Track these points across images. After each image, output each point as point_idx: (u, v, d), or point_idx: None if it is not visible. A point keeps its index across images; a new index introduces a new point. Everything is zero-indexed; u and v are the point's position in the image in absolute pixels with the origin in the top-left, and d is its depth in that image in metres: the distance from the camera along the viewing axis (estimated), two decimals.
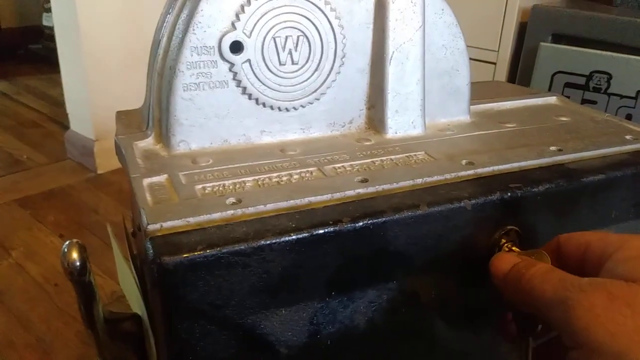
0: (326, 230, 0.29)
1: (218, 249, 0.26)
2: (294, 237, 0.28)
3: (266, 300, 0.28)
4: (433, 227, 0.32)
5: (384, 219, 0.30)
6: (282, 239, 0.28)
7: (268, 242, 0.27)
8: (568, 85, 1.01)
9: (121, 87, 1.38)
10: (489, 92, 0.56)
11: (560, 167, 0.38)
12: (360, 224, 0.29)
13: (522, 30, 1.11)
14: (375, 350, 0.34)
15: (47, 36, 2.34)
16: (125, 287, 0.51)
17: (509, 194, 0.34)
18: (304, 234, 0.28)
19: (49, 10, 2.12)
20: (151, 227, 0.27)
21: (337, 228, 0.29)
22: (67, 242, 0.33)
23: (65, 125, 1.57)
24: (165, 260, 0.26)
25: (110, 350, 0.41)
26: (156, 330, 0.35)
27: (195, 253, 0.26)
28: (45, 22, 2.36)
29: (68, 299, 0.96)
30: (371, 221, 0.30)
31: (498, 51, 1.14)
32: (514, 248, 0.33)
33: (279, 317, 0.29)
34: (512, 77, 1.13)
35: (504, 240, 0.33)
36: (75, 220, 1.23)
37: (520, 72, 1.10)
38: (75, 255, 0.32)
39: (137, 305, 0.45)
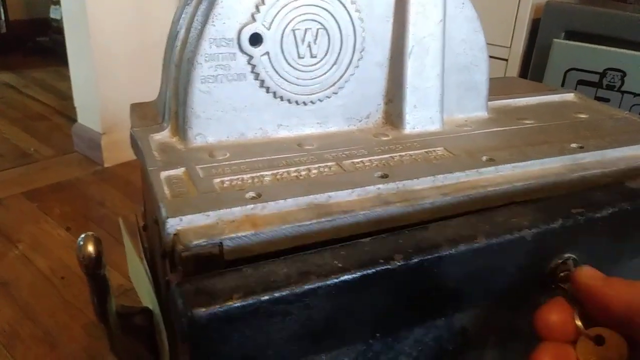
0: (376, 269, 0.25)
1: (257, 296, 0.23)
2: (341, 278, 0.25)
3: (305, 347, 0.26)
4: (489, 259, 0.29)
5: (439, 254, 0.27)
6: (329, 282, 0.25)
7: (313, 286, 0.24)
8: (581, 82, 1.00)
9: (129, 80, 1.38)
10: (505, 88, 0.55)
11: (621, 187, 0.35)
12: (415, 260, 0.26)
13: (534, 26, 1.10)
14: None
15: (55, 29, 2.34)
16: (136, 280, 0.51)
17: (571, 220, 0.30)
18: (352, 275, 0.25)
19: (57, 2, 2.11)
20: (171, 221, 0.27)
21: (388, 267, 0.26)
22: (82, 235, 0.33)
23: (72, 118, 1.57)
24: (197, 313, 0.22)
25: (122, 344, 0.41)
26: (170, 326, 0.35)
27: (232, 302, 0.23)
28: (53, 15, 2.36)
29: (74, 291, 0.95)
30: (425, 257, 0.27)
31: (510, 47, 1.13)
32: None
33: None
34: (524, 74, 1.12)
35: (560, 271, 0.31)
36: (82, 213, 1.22)
37: (533, 69, 1.09)
38: (91, 248, 0.32)
39: (147, 299, 0.44)
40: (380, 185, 0.32)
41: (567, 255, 0.31)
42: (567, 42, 1.00)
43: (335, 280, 0.25)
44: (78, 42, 1.39)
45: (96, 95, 1.39)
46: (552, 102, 0.52)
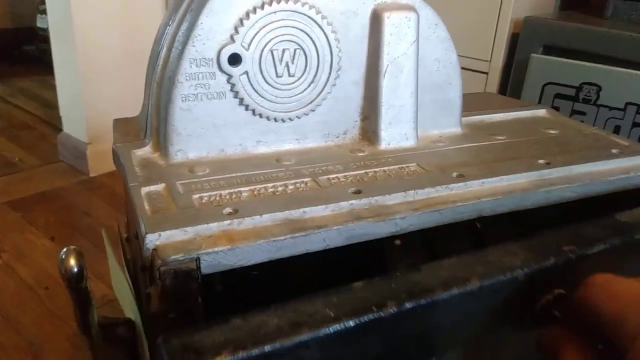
0: (370, 317, 0.25)
1: (247, 351, 0.23)
2: (334, 328, 0.24)
3: None
4: (481, 300, 0.29)
5: (432, 298, 0.27)
6: (321, 333, 0.24)
7: (305, 337, 0.24)
8: (558, 96, 1.02)
9: (115, 90, 1.39)
10: (480, 104, 0.57)
11: (612, 220, 0.35)
12: (408, 306, 0.26)
13: (514, 41, 1.12)
14: None
15: (41, 38, 2.34)
16: (118, 291, 0.51)
17: (563, 258, 0.31)
18: (346, 324, 0.25)
19: (43, 11, 2.11)
20: (150, 237, 0.28)
21: (381, 314, 0.26)
22: (64, 249, 0.34)
23: (58, 128, 1.57)
24: None
25: (104, 355, 0.41)
26: (151, 337, 0.35)
27: (221, 359, 0.22)
28: (39, 24, 2.35)
29: (59, 302, 0.95)
30: (419, 303, 0.27)
31: (490, 61, 1.16)
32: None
33: None
34: (503, 87, 1.15)
35: (550, 306, 0.31)
36: (67, 223, 1.22)
37: (512, 83, 1.11)
38: (72, 261, 0.32)
39: (130, 310, 0.45)
40: (354, 201, 0.33)
41: (557, 291, 0.31)
42: (544, 56, 1.03)
43: (328, 331, 0.24)
44: (64, 51, 1.39)
45: (82, 105, 1.39)
46: (525, 118, 0.53)
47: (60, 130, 1.52)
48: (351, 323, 0.25)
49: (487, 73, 1.16)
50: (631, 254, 0.35)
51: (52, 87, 1.51)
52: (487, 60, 1.15)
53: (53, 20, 1.40)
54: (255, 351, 0.23)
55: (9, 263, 1.07)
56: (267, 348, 0.23)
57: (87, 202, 1.31)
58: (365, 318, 0.25)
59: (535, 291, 0.31)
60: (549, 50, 1.06)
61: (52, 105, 1.79)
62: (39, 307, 0.95)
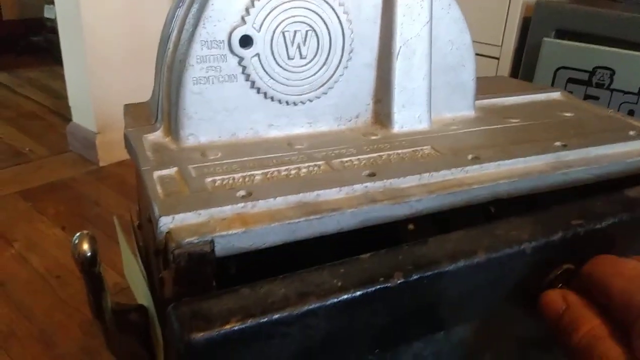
0: (376, 287, 0.25)
1: (255, 319, 0.23)
2: (341, 298, 0.25)
3: None
4: (489, 274, 0.29)
5: (438, 270, 0.27)
6: (328, 302, 0.24)
7: (313, 306, 0.24)
8: (571, 80, 1.01)
9: (124, 79, 1.38)
10: (494, 87, 0.56)
11: (620, 196, 0.35)
12: (414, 277, 0.26)
13: (525, 25, 1.11)
14: None
15: (48, 28, 2.34)
16: (130, 278, 0.51)
17: (571, 232, 0.31)
18: (352, 294, 0.25)
19: (50, 2, 2.11)
20: (163, 219, 0.28)
21: (388, 285, 0.26)
22: (77, 234, 0.33)
23: (66, 118, 1.57)
24: (194, 337, 0.22)
25: (117, 341, 0.41)
26: (164, 323, 0.35)
27: (230, 326, 0.22)
28: (46, 14, 2.35)
29: (70, 291, 0.96)
30: (425, 274, 0.27)
31: (501, 46, 1.14)
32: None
33: None
34: (515, 73, 1.13)
35: (558, 281, 0.31)
36: (77, 213, 1.23)
37: (523, 68, 1.10)
38: (86, 246, 0.32)
39: (142, 296, 0.45)
40: (368, 184, 0.33)
41: (565, 266, 0.31)
42: (557, 40, 1.01)
43: (335, 300, 0.25)
44: (72, 41, 1.39)
45: (90, 95, 1.39)
46: (539, 101, 0.53)
47: (69, 120, 1.53)
48: (358, 293, 0.25)
49: (498, 58, 1.14)
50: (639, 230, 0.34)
51: (60, 78, 1.51)
52: (498, 45, 1.14)
53: (61, 10, 1.40)
54: (263, 319, 0.23)
55: (21, 252, 1.07)
56: (275, 316, 0.23)
57: (96, 192, 1.31)
58: (372, 288, 0.25)
59: (543, 265, 0.31)
60: (561, 34, 1.04)
61: (60, 96, 1.80)
62: (51, 296, 0.95)
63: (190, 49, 0.36)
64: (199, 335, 0.22)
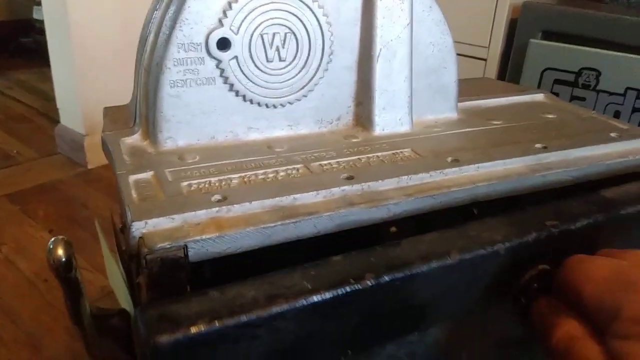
0: (347, 289, 0.25)
1: (223, 321, 0.23)
2: (311, 300, 0.24)
3: None
4: (462, 275, 0.29)
5: (411, 272, 0.27)
6: (298, 304, 0.24)
7: (281, 309, 0.24)
8: (557, 82, 1.01)
9: (112, 81, 1.38)
10: (477, 89, 0.56)
11: (596, 196, 0.35)
12: (386, 279, 0.26)
13: (512, 26, 1.11)
14: None
15: (38, 30, 2.32)
16: (113, 282, 0.51)
17: (545, 233, 0.31)
18: (322, 296, 0.25)
19: (39, 3, 2.10)
20: (136, 225, 0.27)
21: (359, 286, 0.25)
22: (52, 239, 0.33)
23: (55, 120, 1.56)
24: (159, 340, 0.22)
25: (97, 346, 0.41)
26: None
27: (196, 328, 0.22)
28: (36, 16, 2.33)
29: (58, 294, 0.95)
30: (397, 276, 0.26)
31: (489, 47, 1.15)
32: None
33: None
34: (502, 74, 1.14)
35: (534, 281, 0.31)
36: (65, 215, 1.22)
37: (511, 69, 1.10)
38: (60, 251, 0.32)
39: (124, 300, 0.45)
40: (346, 187, 0.33)
41: (540, 267, 0.31)
42: (543, 42, 1.02)
43: (305, 303, 0.24)
44: (60, 42, 1.38)
45: (78, 97, 1.38)
46: (522, 103, 0.53)
47: (57, 122, 1.52)
48: (328, 295, 0.25)
49: (485, 59, 1.15)
50: (615, 230, 0.34)
51: (50, 79, 1.50)
52: (485, 47, 1.14)
53: (48, 12, 1.39)
54: (231, 321, 0.23)
55: (8, 256, 1.06)
56: (243, 318, 0.23)
57: (85, 194, 1.30)
58: (343, 290, 0.25)
59: (517, 266, 0.30)
60: (548, 35, 1.05)
61: (49, 98, 1.78)
62: (38, 300, 0.94)
63: (167, 51, 0.36)
64: (165, 338, 0.22)
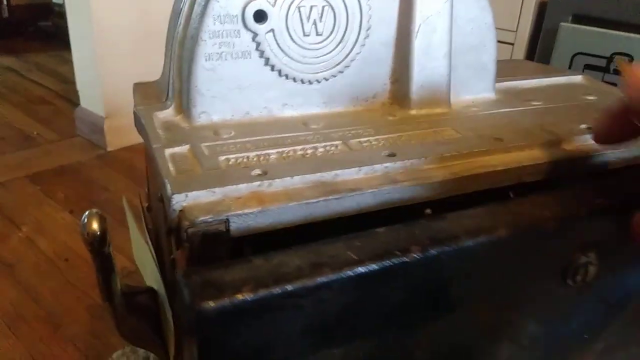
0: (393, 262, 0.24)
1: (267, 289, 0.22)
2: (356, 271, 0.24)
3: (318, 341, 0.25)
4: (510, 250, 0.28)
5: (458, 246, 0.26)
6: (343, 275, 0.24)
7: (326, 279, 0.23)
8: (588, 67, 0.99)
9: (132, 64, 1.37)
10: (513, 70, 0.54)
11: None
12: (432, 253, 0.25)
13: (541, 10, 1.08)
14: None
15: (56, 13, 2.33)
16: (139, 260, 0.51)
17: (595, 212, 0.29)
18: (368, 268, 0.24)
19: None
20: (176, 197, 0.27)
21: (405, 259, 0.25)
22: (86, 212, 0.32)
23: (74, 103, 1.56)
24: (204, 306, 0.21)
25: (126, 324, 0.41)
26: (175, 306, 0.34)
27: (241, 295, 0.22)
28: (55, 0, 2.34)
29: (78, 274, 0.96)
30: (444, 249, 0.26)
31: (516, 31, 1.12)
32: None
33: (331, 358, 0.26)
34: (530, 59, 1.11)
35: (583, 262, 0.30)
36: (86, 197, 1.22)
37: (539, 53, 1.08)
38: (95, 225, 0.31)
39: (152, 279, 0.44)
40: (388, 164, 0.31)
41: (589, 248, 0.30)
42: (574, 26, 0.99)
43: (350, 273, 0.24)
44: (80, 26, 1.38)
45: (98, 79, 1.38)
46: (561, 84, 0.51)
47: (77, 105, 1.52)
48: (374, 266, 0.24)
49: (512, 44, 1.12)
50: None
51: (68, 63, 1.50)
52: (513, 31, 1.11)
53: None
54: (276, 290, 0.22)
55: (29, 236, 1.07)
56: (288, 287, 0.22)
57: (105, 177, 1.31)
58: (388, 262, 0.24)
59: (567, 248, 0.29)
60: (578, 19, 1.02)
61: (68, 81, 1.79)
62: (59, 279, 0.95)
63: (202, 23, 0.35)
64: (210, 304, 0.21)
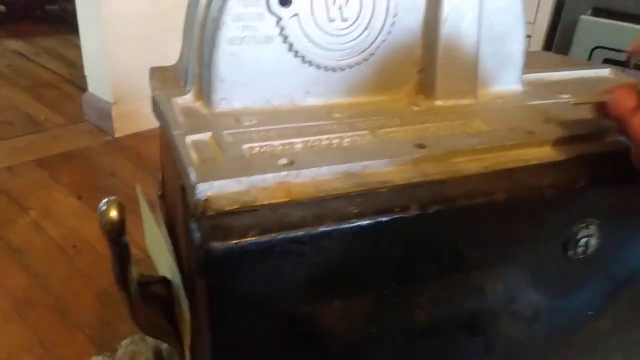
0: (392, 217, 0.26)
1: (272, 235, 0.24)
2: (356, 223, 0.25)
3: (320, 291, 0.26)
4: (507, 216, 0.29)
5: (455, 206, 0.27)
6: (343, 226, 0.25)
7: (327, 228, 0.24)
8: (607, 61, 0.96)
9: (141, 50, 1.36)
10: (536, 62, 0.53)
11: None
12: (431, 211, 0.26)
13: (560, 1, 1.06)
14: (434, 348, 0.32)
15: None
16: (153, 249, 0.50)
17: (595, 183, 0.30)
18: (368, 221, 0.25)
19: None
20: (201, 186, 0.25)
21: (404, 215, 0.26)
22: (105, 200, 0.31)
23: (82, 87, 1.55)
24: (213, 246, 0.23)
25: (142, 314, 0.40)
26: (192, 296, 0.34)
27: (247, 239, 0.23)
28: None
29: (87, 260, 0.95)
30: (441, 208, 0.27)
31: (534, 23, 1.10)
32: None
33: (332, 309, 0.27)
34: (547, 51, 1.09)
35: (582, 234, 0.30)
36: (93, 183, 1.22)
37: (557, 47, 1.06)
38: (114, 213, 0.30)
39: (166, 268, 0.43)
40: (417, 155, 0.30)
41: (589, 219, 0.30)
42: (594, 18, 0.97)
43: (351, 225, 0.25)
44: (89, 11, 1.36)
45: (107, 65, 1.37)
46: (587, 77, 0.49)
47: (84, 89, 1.51)
48: (373, 220, 0.25)
49: (529, 36, 1.10)
50: None
51: (76, 47, 1.49)
52: (530, 23, 1.09)
53: None
54: (280, 235, 0.24)
55: (37, 221, 1.06)
56: (291, 234, 0.24)
57: (112, 163, 1.30)
58: (388, 217, 0.26)
59: (566, 217, 0.30)
60: (598, 12, 1.00)
61: (75, 65, 1.77)
62: (67, 265, 0.94)
63: (225, 6, 0.34)
64: (218, 245, 0.23)
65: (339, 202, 0.26)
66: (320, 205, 0.26)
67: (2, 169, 1.25)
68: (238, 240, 0.23)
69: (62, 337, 0.78)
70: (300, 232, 0.24)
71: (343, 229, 0.25)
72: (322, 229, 0.24)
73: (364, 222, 0.25)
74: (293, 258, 0.24)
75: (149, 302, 0.40)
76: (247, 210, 0.25)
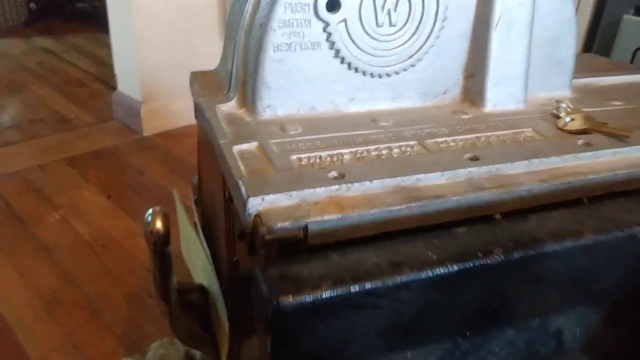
0: (474, 263, 0.23)
1: (347, 286, 0.22)
2: (436, 272, 0.23)
3: (391, 342, 0.24)
4: (595, 257, 0.27)
5: (541, 249, 0.25)
6: (422, 275, 0.23)
7: (405, 279, 0.22)
8: None
9: (171, 49, 1.36)
10: (582, 65, 0.51)
11: None
12: (516, 256, 0.24)
13: (600, 1, 1.03)
14: None
15: None
16: (189, 256, 0.49)
17: None
18: (449, 269, 0.23)
19: None
20: (253, 201, 0.25)
21: (487, 261, 0.24)
22: (150, 210, 0.31)
23: (111, 86, 1.57)
24: (283, 301, 0.21)
25: (180, 321, 0.39)
26: (230, 306, 0.33)
27: (320, 292, 0.21)
28: None
29: (115, 259, 0.96)
30: (527, 253, 0.24)
31: None
32: None
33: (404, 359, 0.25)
34: (587, 53, 1.06)
35: None
36: (121, 182, 1.22)
37: (597, 48, 1.03)
38: (159, 224, 0.30)
39: (203, 275, 0.43)
40: (472, 169, 0.29)
41: None
42: (637, 18, 0.94)
43: (430, 274, 0.23)
44: (120, 10, 1.37)
45: (136, 63, 1.37)
46: (637, 83, 0.47)
47: (114, 88, 1.52)
48: (455, 267, 0.23)
49: None
50: None
51: (105, 45, 1.50)
52: None
53: None
54: (355, 287, 0.22)
55: (66, 218, 1.07)
56: (367, 285, 0.22)
57: (141, 162, 1.30)
58: (470, 264, 0.24)
59: None
60: None
61: (105, 63, 1.79)
62: (96, 264, 0.95)
63: (272, 11, 0.33)
64: (289, 299, 0.21)
65: (415, 246, 0.24)
66: (393, 250, 0.24)
67: (34, 167, 1.26)
68: (310, 293, 0.21)
69: (92, 337, 0.79)
70: (376, 283, 0.22)
71: (422, 278, 0.23)
72: (399, 279, 0.22)
73: (444, 270, 0.23)
74: (367, 310, 0.23)
75: (186, 310, 0.40)
76: (315, 257, 0.23)
